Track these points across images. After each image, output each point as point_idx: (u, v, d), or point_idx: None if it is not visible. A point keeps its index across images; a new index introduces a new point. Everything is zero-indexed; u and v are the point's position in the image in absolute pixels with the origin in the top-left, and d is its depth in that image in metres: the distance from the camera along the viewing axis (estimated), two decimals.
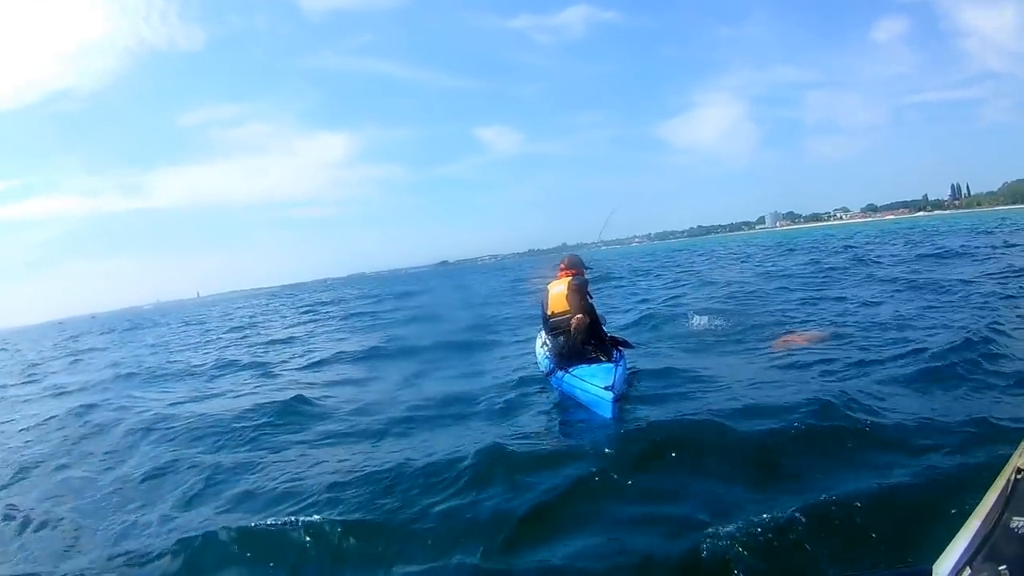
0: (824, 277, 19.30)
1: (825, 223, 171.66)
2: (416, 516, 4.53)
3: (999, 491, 1.78)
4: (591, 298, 7.77)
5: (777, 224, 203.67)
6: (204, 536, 4.54)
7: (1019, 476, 1.86)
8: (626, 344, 8.00)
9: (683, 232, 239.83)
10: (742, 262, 33.55)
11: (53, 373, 18.70)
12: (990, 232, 33.85)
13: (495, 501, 4.58)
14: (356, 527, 4.42)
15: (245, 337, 21.73)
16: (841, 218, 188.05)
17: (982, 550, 1.63)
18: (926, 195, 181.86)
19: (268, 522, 4.58)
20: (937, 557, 1.81)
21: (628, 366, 7.72)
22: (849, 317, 11.12)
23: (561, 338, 7.49)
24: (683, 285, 21.92)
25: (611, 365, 7.02)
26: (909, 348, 7.84)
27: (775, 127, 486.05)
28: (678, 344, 10.37)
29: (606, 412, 6.08)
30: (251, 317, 35.16)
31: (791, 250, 38.20)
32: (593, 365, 7.09)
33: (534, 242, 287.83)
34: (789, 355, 8.30)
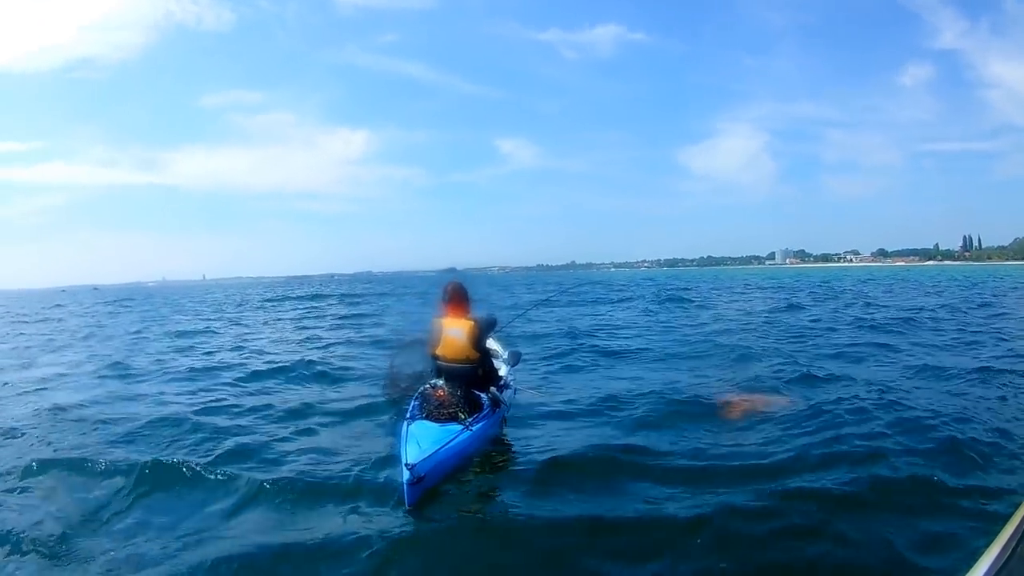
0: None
1: (835, 264, 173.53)
2: None
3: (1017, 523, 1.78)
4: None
5: (787, 261, 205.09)
6: None
7: None
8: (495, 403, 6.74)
9: (693, 261, 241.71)
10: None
11: None
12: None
13: None
14: None
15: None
16: (851, 260, 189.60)
17: None
18: (937, 244, 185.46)
19: None
20: None
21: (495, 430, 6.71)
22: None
23: (439, 384, 6.57)
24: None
25: (456, 428, 5.92)
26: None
27: (793, 162, 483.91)
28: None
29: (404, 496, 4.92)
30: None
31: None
32: (434, 425, 6.00)
33: (544, 258, 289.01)
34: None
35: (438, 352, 6.69)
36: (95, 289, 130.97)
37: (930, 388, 8.47)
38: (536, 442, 6.46)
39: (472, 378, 6.61)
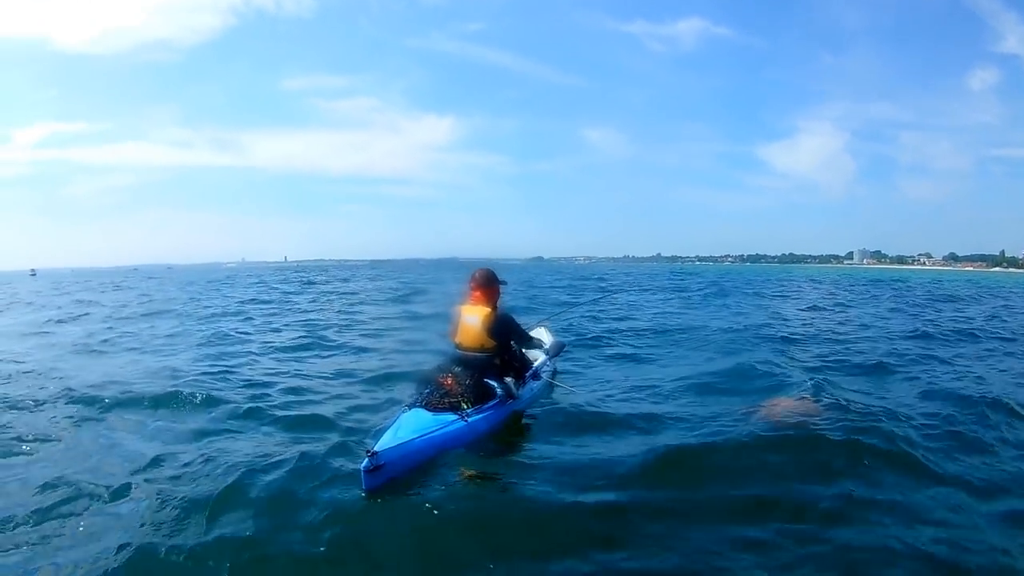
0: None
1: (909, 267, 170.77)
2: None
3: None
4: (514, 335, 6.76)
5: (865, 261, 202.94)
6: None
7: None
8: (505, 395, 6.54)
9: (775, 257, 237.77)
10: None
11: None
12: None
13: None
14: None
15: None
16: (924, 263, 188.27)
17: None
18: (1003, 251, 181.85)
19: None
20: None
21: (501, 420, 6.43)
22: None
23: (451, 371, 6.41)
24: None
25: (449, 419, 5.78)
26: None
27: (870, 162, 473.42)
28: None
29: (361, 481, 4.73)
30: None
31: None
32: (427, 414, 5.85)
33: (630, 249, 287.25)
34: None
35: (456, 339, 6.62)
36: (169, 268, 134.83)
37: None
38: (545, 443, 6.07)
39: (487, 367, 6.48)
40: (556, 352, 8.32)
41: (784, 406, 6.94)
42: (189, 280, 52.58)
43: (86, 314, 19.96)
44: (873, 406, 6.93)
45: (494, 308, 6.60)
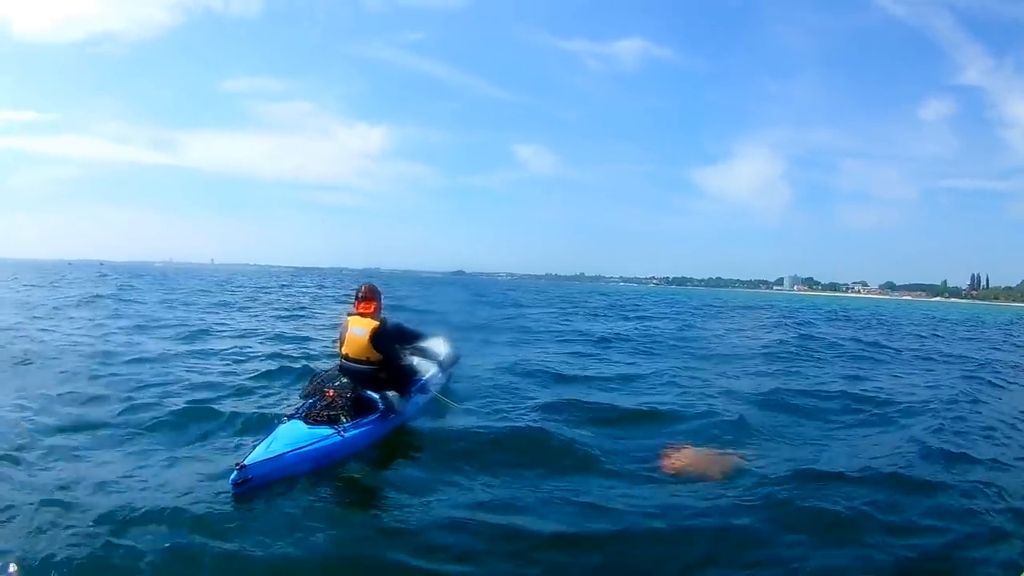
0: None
1: (842, 294, 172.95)
2: None
3: None
4: (402, 337, 7.03)
5: (795, 288, 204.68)
6: None
7: None
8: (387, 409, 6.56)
9: (701, 281, 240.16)
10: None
11: None
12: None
13: None
14: None
15: None
16: (859, 291, 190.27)
17: None
18: (945, 281, 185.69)
19: None
20: None
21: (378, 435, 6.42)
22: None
23: (334, 384, 6.63)
24: None
25: (324, 432, 5.78)
26: None
27: (808, 189, 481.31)
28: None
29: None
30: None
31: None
32: (303, 427, 5.83)
33: (554, 267, 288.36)
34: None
35: (343, 350, 6.65)
36: (101, 264, 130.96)
37: None
38: (418, 465, 5.99)
39: (371, 379, 6.54)
40: (450, 364, 8.36)
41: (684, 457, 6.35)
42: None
43: None
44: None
45: (381, 320, 6.63)
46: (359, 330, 6.54)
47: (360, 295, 6.78)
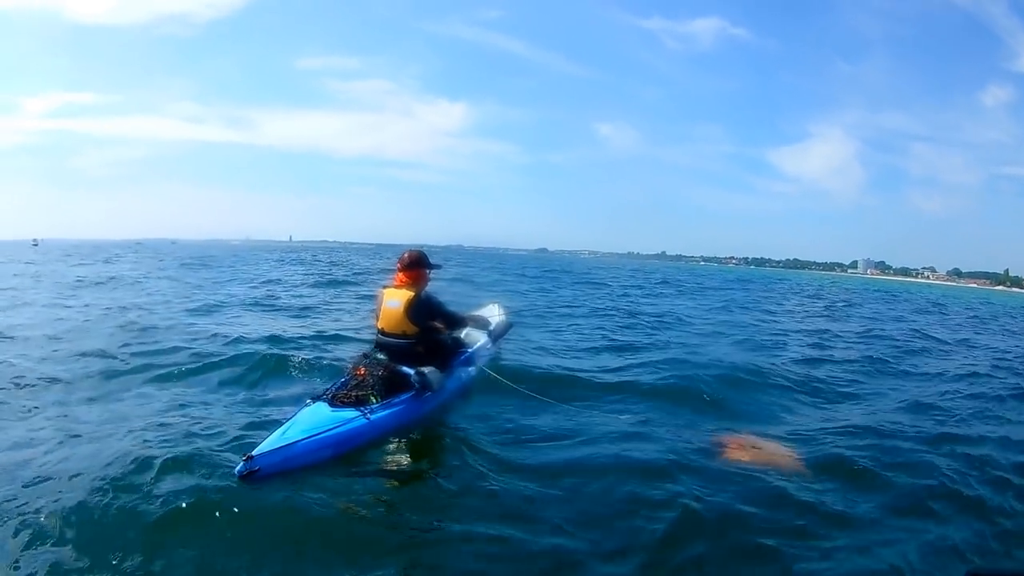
0: None
1: (912, 279, 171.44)
2: None
3: None
4: (439, 317, 6.21)
5: (869, 271, 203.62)
6: None
7: None
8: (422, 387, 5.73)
9: (779, 262, 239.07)
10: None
11: None
12: None
13: None
14: None
15: None
16: (928, 277, 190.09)
17: None
18: (1007, 269, 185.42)
19: None
20: None
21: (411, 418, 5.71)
22: None
23: (367, 360, 5.84)
24: None
25: (349, 415, 5.17)
26: None
27: (880, 172, 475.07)
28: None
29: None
30: None
31: None
32: (327, 410, 5.24)
33: (635, 246, 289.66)
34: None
35: (378, 324, 6.12)
36: (173, 243, 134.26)
37: None
38: (456, 454, 5.27)
39: (408, 354, 5.90)
40: (500, 334, 7.78)
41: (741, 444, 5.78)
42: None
43: None
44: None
45: (418, 292, 6.06)
46: (394, 302, 6.00)
47: (404, 263, 6.17)
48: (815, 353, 11.76)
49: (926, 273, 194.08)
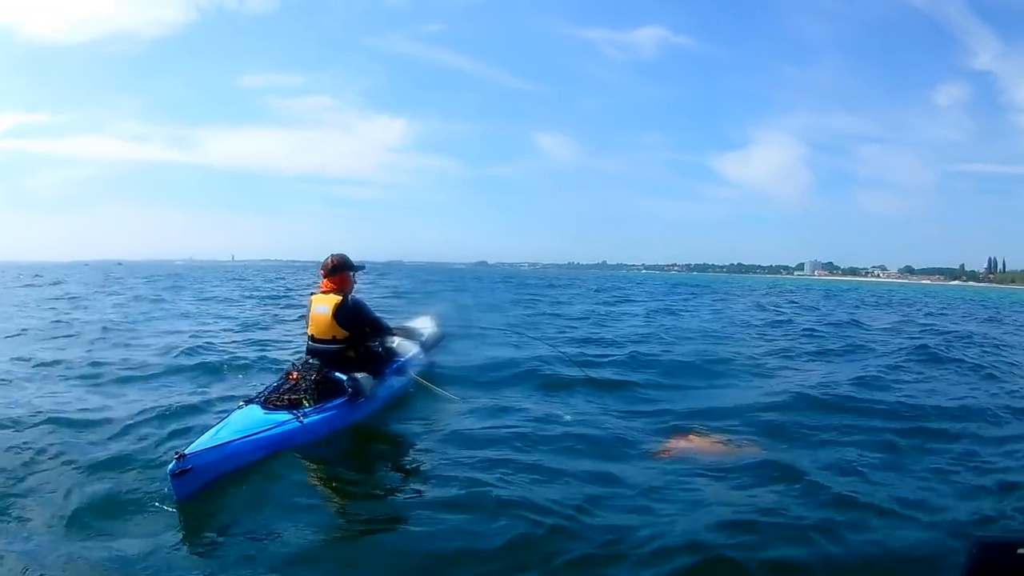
0: None
1: (862, 279, 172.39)
2: None
3: None
4: (366, 323, 6.34)
5: (816, 273, 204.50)
6: None
7: None
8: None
9: (723, 267, 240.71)
10: None
11: None
12: None
13: None
14: None
15: None
16: (879, 275, 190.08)
17: None
18: (963, 265, 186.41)
19: None
20: None
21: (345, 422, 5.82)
22: None
23: (298, 366, 6.00)
24: None
25: (282, 418, 5.23)
26: None
27: (828, 174, 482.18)
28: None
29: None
30: None
31: None
32: (260, 412, 5.32)
33: (576, 256, 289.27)
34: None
35: (309, 331, 6.28)
36: (119, 264, 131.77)
37: None
38: (385, 460, 5.46)
39: (339, 359, 6.08)
40: (432, 345, 7.93)
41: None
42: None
43: None
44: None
45: (345, 296, 6.23)
46: (322, 307, 6.17)
47: (328, 268, 6.33)
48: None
49: (876, 272, 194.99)
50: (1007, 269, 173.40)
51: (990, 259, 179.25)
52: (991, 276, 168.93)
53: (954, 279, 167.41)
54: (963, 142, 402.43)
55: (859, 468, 5.13)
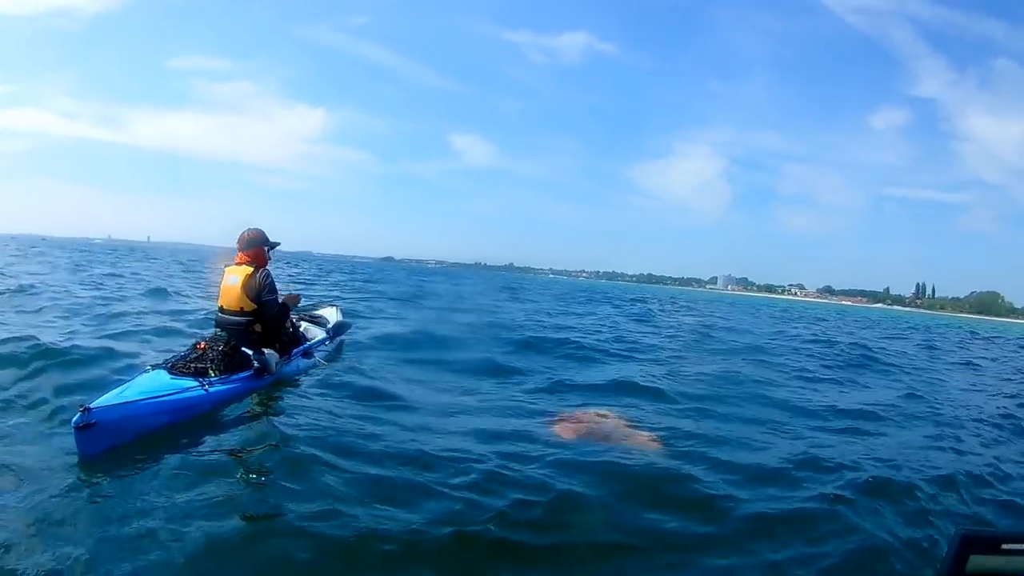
0: None
1: (778, 296, 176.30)
2: None
3: None
4: (270, 292, 6.40)
5: (729, 287, 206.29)
6: None
7: None
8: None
9: (632, 276, 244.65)
10: None
11: None
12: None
13: None
14: None
15: None
16: (796, 294, 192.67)
17: None
18: (888, 288, 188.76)
19: None
20: None
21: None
22: None
23: (207, 336, 6.12)
24: None
25: (187, 384, 5.34)
26: None
27: (748, 191, 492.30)
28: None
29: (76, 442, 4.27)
30: None
31: None
32: (166, 377, 5.40)
33: (484, 256, 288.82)
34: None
35: (219, 303, 6.45)
36: (43, 240, 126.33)
37: None
38: (292, 427, 5.18)
39: (246, 333, 6.26)
40: (337, 332, 8.18)
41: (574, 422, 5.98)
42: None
43: None
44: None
45: (256, 268, 6.41)
46: (233, 278, 6.33)
47: (243, 242, 6.51)
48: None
49: (794, 290, 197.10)
50: (936, 296, 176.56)
51: (918, 284, 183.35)
52: (918, 301, 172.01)
53: (877, 302, 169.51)
54: (899, 166, 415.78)
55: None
